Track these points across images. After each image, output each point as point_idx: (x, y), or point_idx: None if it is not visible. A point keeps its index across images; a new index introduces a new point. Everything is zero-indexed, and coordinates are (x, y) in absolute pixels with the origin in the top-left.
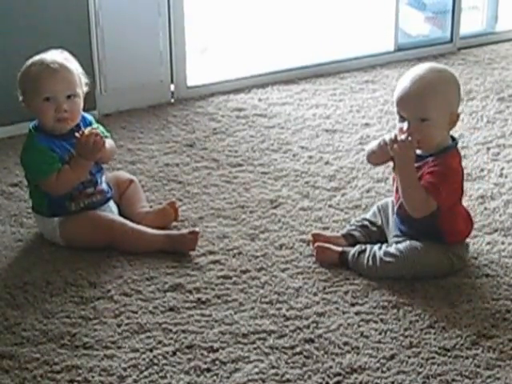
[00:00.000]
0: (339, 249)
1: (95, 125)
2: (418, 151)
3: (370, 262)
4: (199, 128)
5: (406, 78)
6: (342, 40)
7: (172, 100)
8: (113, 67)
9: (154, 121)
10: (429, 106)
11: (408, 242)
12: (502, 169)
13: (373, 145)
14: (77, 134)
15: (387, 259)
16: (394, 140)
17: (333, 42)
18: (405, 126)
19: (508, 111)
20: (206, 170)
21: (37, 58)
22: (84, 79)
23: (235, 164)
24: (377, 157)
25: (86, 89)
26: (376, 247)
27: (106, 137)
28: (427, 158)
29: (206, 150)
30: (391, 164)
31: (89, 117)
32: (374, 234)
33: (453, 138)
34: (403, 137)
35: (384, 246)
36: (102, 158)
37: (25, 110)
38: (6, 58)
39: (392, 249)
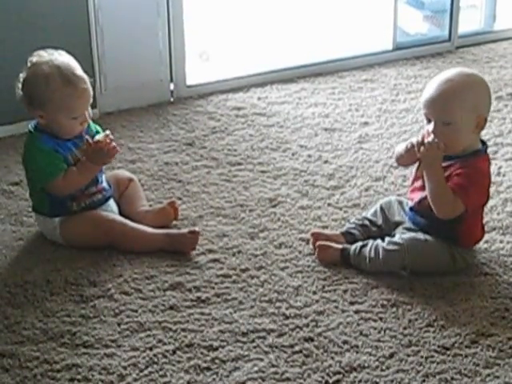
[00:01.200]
0: (340, 246)
1: (93, 125)
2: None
3: (373, 254)
4: (198, 127)
5: (434, 80)
6: (340, 39)
7: (171, 99)
8: (113, 66)
9: (154, 120)
10: (452, 110)
11: (413, 233)
12: (500, 167)
13: (400, 148)
14: (87, 138)
15: (390, 247)
16: (421, 143)
17: (331, 41)
18: (430, 127)
19: (506, 110)
20: (205, 169)
21: (47, 66)
22: None
23: (234, 163)
24: (405, 160)
25: None
26: (378, 240)
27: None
28: (455, 159)
29: (206, 148)
30: (391, 162)
31: None
32: (374, 233)
33: (483, 142)
34: (430, 139)
35: (387, 238)
36: None
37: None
38: (5, 58)
39: (396, 238)
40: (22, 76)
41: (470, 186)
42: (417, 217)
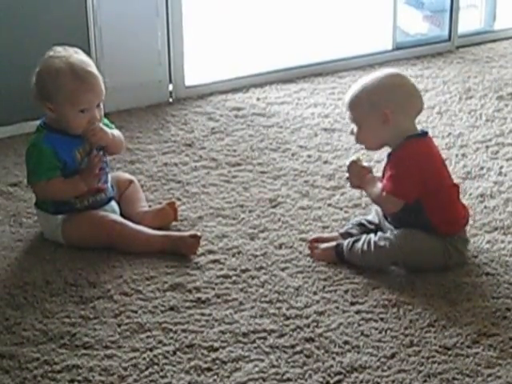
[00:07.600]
0: (333, 243)
1: (105, 121)
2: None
3: (365, 247)
4: (198, 127)
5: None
6: (340, 39)
7: (170, 100)
8: (111, 67)
9: (153, 120)
10: (353, 113)
11: (404, 229)
12: (501, 167)
13: None
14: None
15: (381, 243)
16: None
17: (331, 41)
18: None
19: (507, 109)
20: (204, 170)
21: (60, 61)
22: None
23: (234, 163)
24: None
25: None
26: (371, 234)
27: (111, 128)
28: (389, 156)
29: (205, 149)
30: None
31: None
32: (371, 231)
33: (422, 131)
34: (347, 162)
35: (380, 233)
36: (109, 148)
37: (24, 110)
38: (4, 58)
39: (387, 234)
40: (36, 69)
41: (397, 185)
42: (395, 222)
